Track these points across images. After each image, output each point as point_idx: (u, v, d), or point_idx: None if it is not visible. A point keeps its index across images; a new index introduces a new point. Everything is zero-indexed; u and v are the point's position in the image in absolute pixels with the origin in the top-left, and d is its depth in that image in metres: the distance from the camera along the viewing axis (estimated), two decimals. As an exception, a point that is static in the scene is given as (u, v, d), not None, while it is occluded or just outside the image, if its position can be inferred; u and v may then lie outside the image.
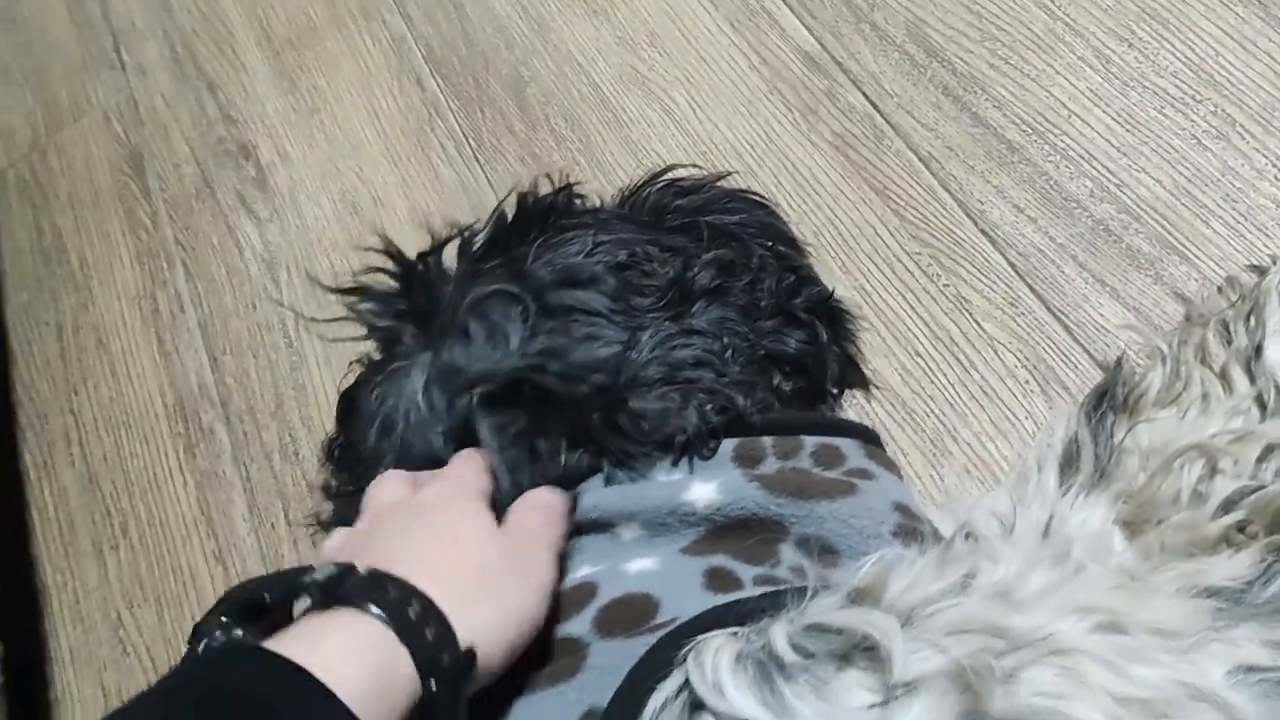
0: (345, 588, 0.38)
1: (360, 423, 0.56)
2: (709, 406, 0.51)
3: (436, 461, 0.51)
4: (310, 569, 0.40)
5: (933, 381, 0.61)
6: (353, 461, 0.56)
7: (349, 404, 0.58)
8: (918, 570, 0.40)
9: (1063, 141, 0.64)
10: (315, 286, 0.79)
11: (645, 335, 0.53)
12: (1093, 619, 0.38)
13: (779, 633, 0.39)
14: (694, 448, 0.49)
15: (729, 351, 0.54)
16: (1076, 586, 0.40)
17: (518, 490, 0.49)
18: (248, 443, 0.74)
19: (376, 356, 0.60)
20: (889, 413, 0.61)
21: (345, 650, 0.35)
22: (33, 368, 0.84)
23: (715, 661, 0.38)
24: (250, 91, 0.92)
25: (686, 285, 0.54)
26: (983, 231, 0.64)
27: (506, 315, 0.53)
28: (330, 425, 0.61)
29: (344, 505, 0.56)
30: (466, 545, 0.42)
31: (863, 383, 0.61)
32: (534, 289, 0.53)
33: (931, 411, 0.60)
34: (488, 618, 0.40)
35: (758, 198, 0.62)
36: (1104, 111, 0.64)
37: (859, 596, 0.40)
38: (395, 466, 0.53)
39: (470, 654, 0.38)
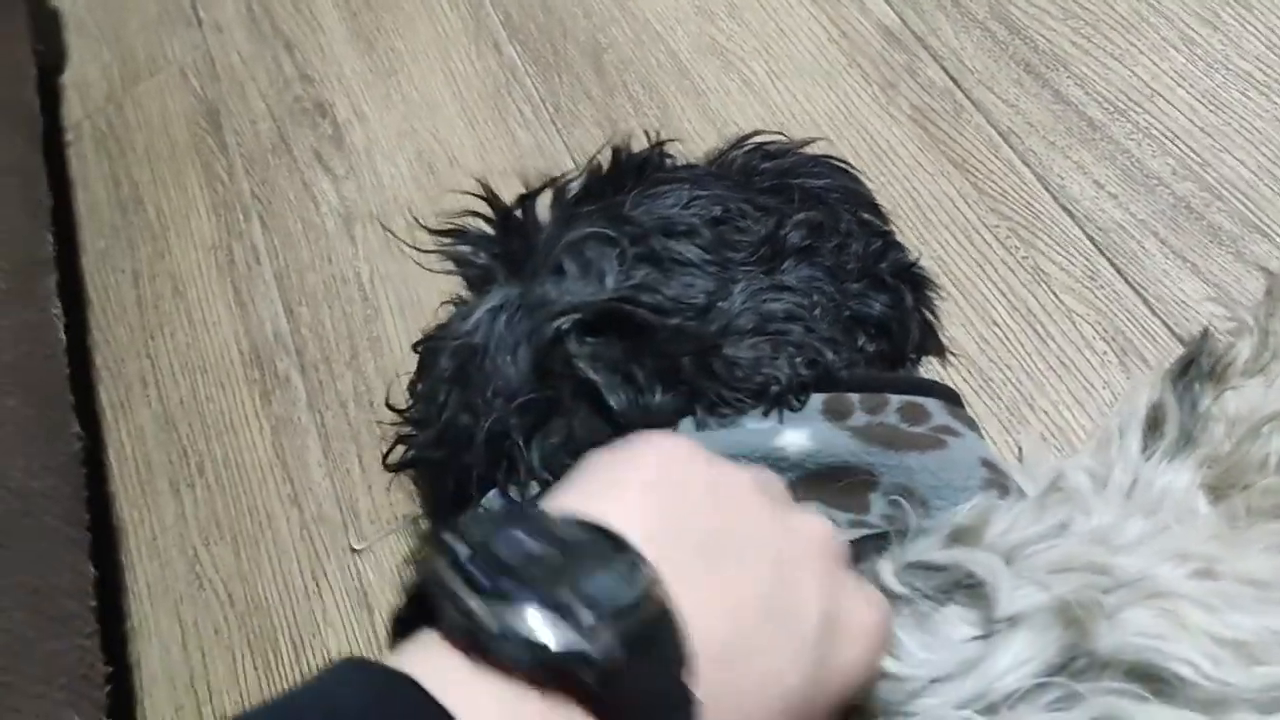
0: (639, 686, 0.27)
1: (442, 354, 0.57)
2: (799, 359, 0.52)
3: (515, 391, 0.52)
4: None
5: (1010, 351, 0.62)
6: (432, 393, 0.57)
7: (433, 337, 0.59)
8: (1016, 514, 0.41)
9: (1145, 120, 0.65)
10: (392, 240, 0.80)
11: (738, 287, 0.54)
12: (1190, 566, 0.39)
13: (886, 569, 0.40)
14: (785, 399, 0.51)
15: (817, 309, 0.55)
16: (1173, 535, 0.41)
17: (615, 422, 0.50)
18: (322, 390, 0.76)
19: (466, 298, 0.61)
20: (965, 380, 0.62)
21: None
22: (109, 313, 0.86)
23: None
24: (327, 51, 0.93)
25: (778, 243, 0.56)
26: (1062, 206, 0.64)
27: (602, 255, 0.54)
28: (406, 376, 0.63)
29: (420, 437, 0.57)
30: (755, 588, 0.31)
31: (940, 350, 0.62)
32: (630, 235, 0.54)
33: (1009, 380, 0.61)
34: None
35: (843, 164, 0.63)
36: (1187, 92, 0.65)
37: (960, 536, 0.41)
38: (476, 394, 0.54)
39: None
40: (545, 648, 0.26)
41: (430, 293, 0.77)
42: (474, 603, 0.26)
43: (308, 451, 0.74)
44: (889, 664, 0.38)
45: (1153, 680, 0.37)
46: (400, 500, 0.70)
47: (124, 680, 0.67)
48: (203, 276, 0.85)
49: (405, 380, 0.62)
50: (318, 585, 0.69)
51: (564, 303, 0.53)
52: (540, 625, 0.26)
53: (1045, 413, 0.60)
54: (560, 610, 0.26)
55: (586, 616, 0.26)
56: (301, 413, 0.76)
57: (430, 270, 0.60)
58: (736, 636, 0.30)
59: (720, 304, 0.53)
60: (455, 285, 0.72)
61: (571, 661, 0.26)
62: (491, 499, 0.53)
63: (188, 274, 0.85)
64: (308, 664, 0.66)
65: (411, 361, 0.61)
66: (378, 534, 0.69)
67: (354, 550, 0.69)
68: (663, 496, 0.32)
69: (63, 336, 0.70)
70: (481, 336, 0.55)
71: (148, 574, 0.72)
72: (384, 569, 0.68)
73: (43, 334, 0.67)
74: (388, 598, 0.67)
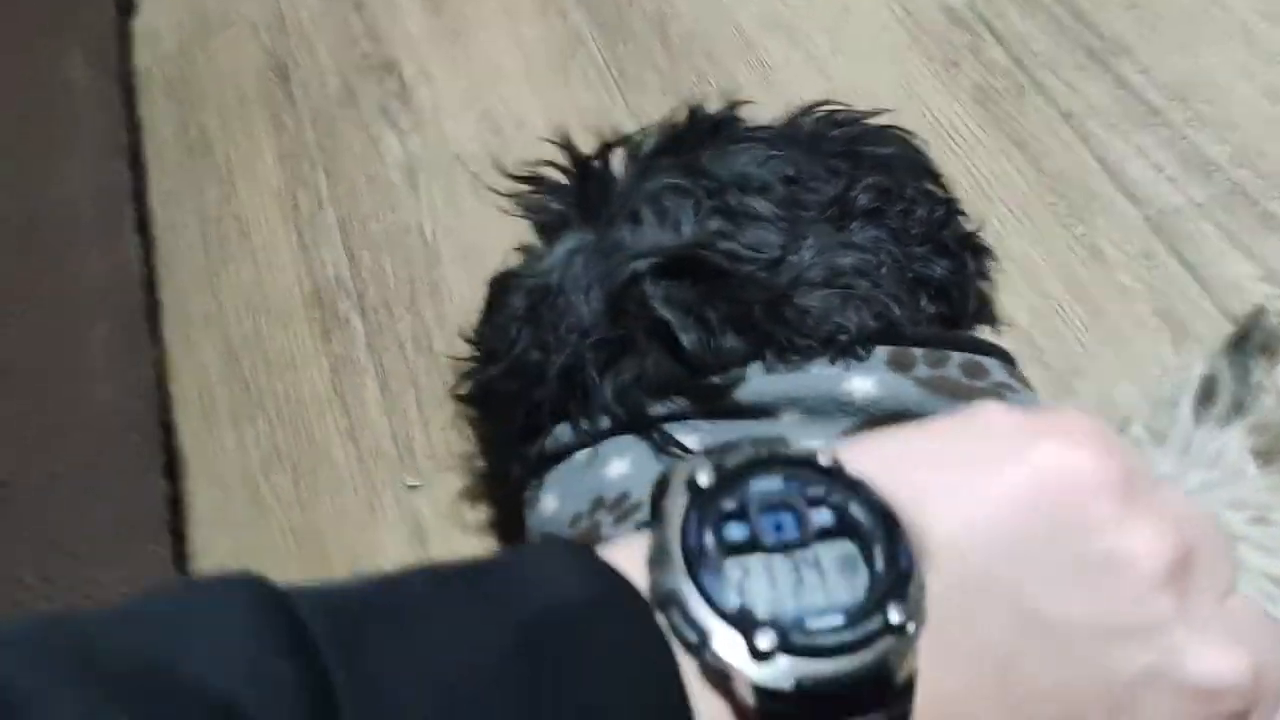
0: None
1: (515, 292, 0.59)
2: (866, 312, 0.54)
3: (589, 329, 0.54)
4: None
5: (1063, 323, 0.63)
6: (504, 328, 0.59)
7: (504, 277, 0.61)
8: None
9: (1204, 108, 0.67)
10: (456, 194, 0.82)
11: (807, 242, 0.56)
12: (1248, 512, 0.41)
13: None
14: (852, 348, 0.53)
15: (883, 268, 0.57)
16: (1232, 486, 0.43)
17: (687, 363, 0.52)
18: (382, 333, 0.78)
19: (535, 247, 0.63)
20: (1016, 349, 0.63)
21: None
22: (175, 252, 0.88)
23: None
24: (395, 12, 0.95)
25: (847, 204, 0.57)
26: (1121, 188, 0.66)
27: (679, 205, 0.56)
28: (466, 322, 0.65)
29: (491, 370, 0.59)
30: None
31: (994, 319, 0.64)
32: (707, 188, 0.56)
33: (1059, 351, 0.63)
34: None
35: (908, 135, 0.65)
36: (1248, 85, 0.67)
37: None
38: (548, 332, 0.56)
39: None
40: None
41: (492, 244, 0.79)
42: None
43: (365, 390, 0.76)
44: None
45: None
46: (455, 440, 0.72)
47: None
48: (268, 220, 0.87)
49: (467, 324, 0.64)
50: (373, 518, 0.71)
51: (641, 246, 0.55)
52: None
53: (1095, 385, 0.61)
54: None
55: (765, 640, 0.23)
56: (360, 353, 0.78)
57: (504, 213, 0.62)
58: None
59: (791, 257, 0.55)
60: (518, 238, 0.74)
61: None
62: (562, 431, 0.55)
63: (253, 217, 0.88)
64: (361, 592, 0.68)
65: (472, 308, 0.63)
66: (434, 470, 0.71)
67: (410, 487, 0.71)
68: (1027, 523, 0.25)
69: (144, 268, 0.72)
70: (556, 277, 0.57)
71: (209, 501, 0.75)
72: (439, 505, 0.70)
73: (125, 264, 0.69)
74: (442, 533, 0.69)
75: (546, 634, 0.22)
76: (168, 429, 0.78)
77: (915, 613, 0.24)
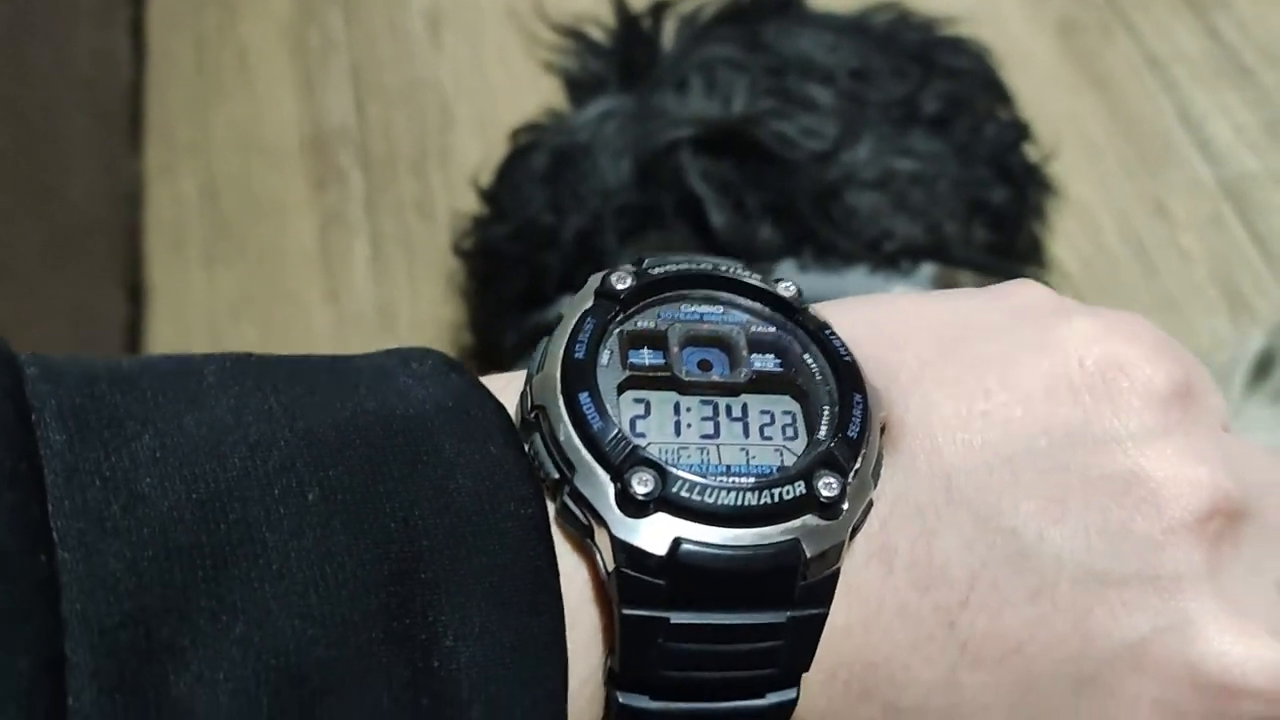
0: None
1: (538, 150, 0.54)
2: (919, 224, 0.49)
3: (613, 194, 0.49)
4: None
5: (1114, 278, 0.59)
6: (519, 186, 0.54)
7: (526, 132, 0.56)
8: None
9: (1301, 74, 0.62)
10: (480, 54, 0.76)
11: (865, 139, 0.51)
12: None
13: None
14: (897, 259, 0.48)
15: (940, 182, 0.52)
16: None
17: (715, 247, 0.47)
18: (382, 192, 0.73)
19: (568, 111, 0.58)
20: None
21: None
22: (167, 73, 0.81)
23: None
24: None
25: (913, 108, 0.52)
26: (1198, 144, 0.61)
27: (732, 79, 0.51)
28: (478, 185, 0.59)
29: (499, 228, 0.54)
30: None
31: (1042, 261, 0.60)
32: (765, 66, 0.51)
33: (1107, 306, 0.58)
34: None
35: (985, 50, 0.60)
36: (1351, 54, 0.62)
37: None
38: (567, 194, 0.50)
39: None
40: None
41: (512, 113, 0.73)
42: None
43: (355, 250, 0.71)
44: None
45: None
46: (444, 313, 0.67)
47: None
48: (272, 53, 0.81)
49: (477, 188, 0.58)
50: (345, 382, 0.66)
51: (684, 115, 0.50)
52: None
53: (1139, 347, 0.57)
54: None
55: None
56: (356, 210, 0.72)
57: (533, 76, 0.57)
58: None
59: (845, 153, 0.50)
60: (540, 107, 0.68)
61: None
62: (568, 302, 0.50)
63: (256, 49, 0.81)
64: (322, 457, 0.63)
65: (483, 176, 0.58)
66: (416, 342, 0.66)
67: (388, 355, 0.66)
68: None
69: (132, 71, 0.66)
70: (585, 137, 0.52)
71: (168, 339, 0.69)
72: (417, 378, 0.65)
73: (116, 62, 0.63)
74: (416, 407, 0.64)
75: (360, 439, 0.17)
76: (135, 255, 0.73)
77: (855, 496, 0.18)
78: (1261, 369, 0.50)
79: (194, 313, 0.70)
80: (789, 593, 0.17)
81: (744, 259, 0.48)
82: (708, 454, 0.18)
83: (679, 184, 0.48)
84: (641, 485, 0.17)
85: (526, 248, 0.51)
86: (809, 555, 0.17)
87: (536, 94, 0.74)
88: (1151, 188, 0.61)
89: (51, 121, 0.54)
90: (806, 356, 0.20)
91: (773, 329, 0.20)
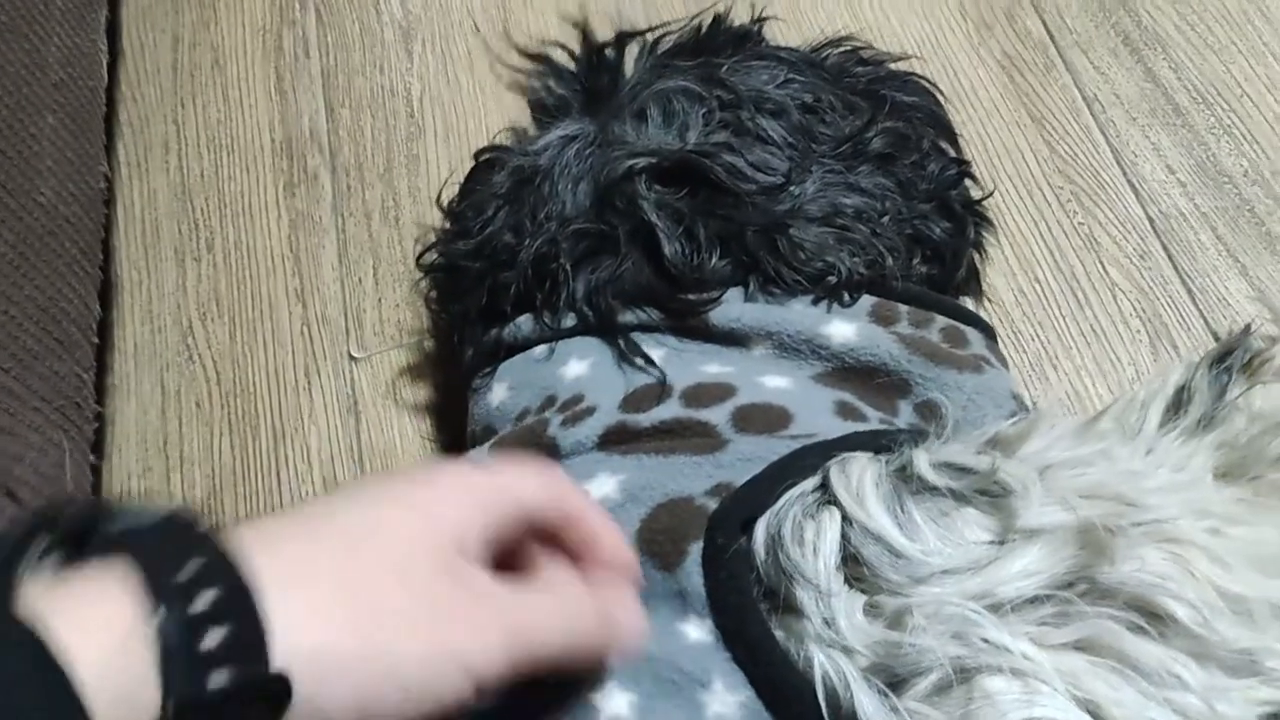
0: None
1: (500, 169, 0.56)
2: (860, 257, 0.52)
3: (571, 219, 0.51)
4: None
5: (1045, 309, 0.62)
6: (481, 205, 0.55)
7: (495, 148, 0.58)
8: (1057, 435, 0.42)
9: (1229, 118, 0.65)
10: (449, 63, 0.78)
11: (813, 175, 0.53)
12: (1208, 522, 0.41)
13: (922, 458, 0.41)
14: (839, 291, 0.51)
15: (885, 217, 0.54)
16: (1198, 491, 0.42)
17: (666, 273, 0.49)
18: (350, 196, 0.74)
19: (532, 130, 0.60)
20: (995, 327, 0.62)
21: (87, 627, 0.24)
22: (142, 71, 0.83)
23: (861, 474, 0.40)
24: None
25: (861, 144, 0.55)
26: (1130, 182, 0.65)
27: (689, 110, 0.53)
28: (441, 201, 0.61)
29: (460, 245, 0.55)
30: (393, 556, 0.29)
31: (979, 292, 0.63)
32: (721, 99, 0.53)
33: (1037, 336, 0.62)
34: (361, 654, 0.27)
35: (931, 86, 0.63)
36: (1276, 100, 0.65)
37: (999, 444, 0.42)
38: (527, 215, 0.52)
39: (281, 683, 0.25)
40: None
41: (479, 125, 0.76)
42: None
43: (323, 252, 0.73)
44: (901, 542, 0.38)
45: (1147, 616, 0.39)
46: (407, 318, 0.69)
47: (99, 432, 0.66)
48: (246, 56, 0.82)
49: (443, 199, 0.60)
50: (309, 382, 0.68)
51: (642, 145, 0.52)
52: None
53: (1067, 376, 0.60)
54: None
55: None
56: (324, 213, 0.74)
57: (498, 93, 0.59)
58: None
59: (794, 187, 0.53)
60: (506, 121, 0.70)
61: None
62: (524, 322, 0.52)
63: (231, 49, 0.82)
64: (285, 456, 0.66)
65: (448, 189, 0.60)
66: (379, 347, 0.68)
67: (352, 358, 0.68)
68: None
69: (105, 74, 0.67)
70: (546, 160, 0.54)
71: (137, 335, 0.71)
72: (379, 381, 0.67)
73: (89, 64, 0.64)
74: (377, 408, 0.66)
75: None
76: (107, 255, 0.74)
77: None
78: (1177, 405, 0.53)
79: (164, 310, 0.72)
80: None
81: (692, 287, 0.51)
82: None
83: (634, 212, 0.51)
84: None
85: (487, 265, 0.54)
86: None
87: (504, 107, 0.76)
88: (1084, 223, 0.64)
89: (23, 121, 0.55)
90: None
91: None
